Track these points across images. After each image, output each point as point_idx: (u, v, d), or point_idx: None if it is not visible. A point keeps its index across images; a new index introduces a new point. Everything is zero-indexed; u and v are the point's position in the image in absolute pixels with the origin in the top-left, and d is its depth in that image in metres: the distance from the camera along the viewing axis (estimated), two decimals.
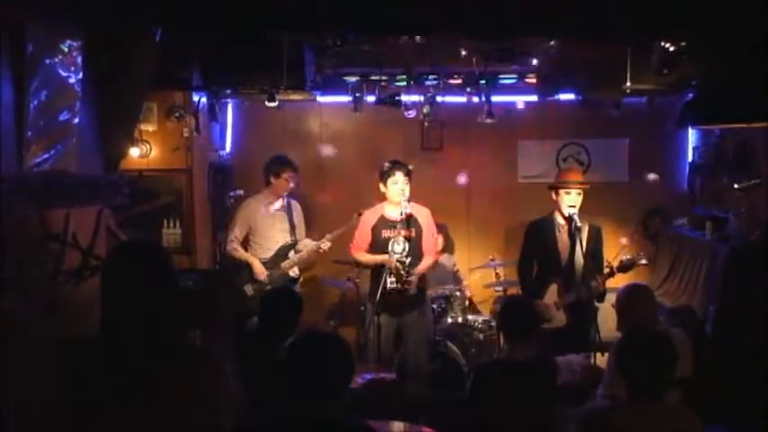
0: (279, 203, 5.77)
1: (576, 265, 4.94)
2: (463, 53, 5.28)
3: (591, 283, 4.84)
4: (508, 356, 3.86)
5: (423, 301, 5.37)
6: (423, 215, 5.34)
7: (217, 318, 4.04)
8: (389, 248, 5.16)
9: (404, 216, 5.15)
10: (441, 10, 3.84)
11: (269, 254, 5.70)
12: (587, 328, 4.82)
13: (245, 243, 5.76)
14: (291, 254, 5.73)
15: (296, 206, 5.90)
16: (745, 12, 3.78)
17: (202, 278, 4.71)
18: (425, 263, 5.30)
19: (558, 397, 3.80)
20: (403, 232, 5.17)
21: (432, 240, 5.42)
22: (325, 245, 5.68)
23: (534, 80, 6.19)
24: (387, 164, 5.27)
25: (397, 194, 5.19)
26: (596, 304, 4.94)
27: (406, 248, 5.18)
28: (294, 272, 5.77)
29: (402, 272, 5.08)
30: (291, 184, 5.75)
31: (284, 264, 5.69)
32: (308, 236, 5.94)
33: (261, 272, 5.61)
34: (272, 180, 5.72)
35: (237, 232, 5.48)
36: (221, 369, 2.22)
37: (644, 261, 5.01)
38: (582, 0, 3.89)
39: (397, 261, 5.08)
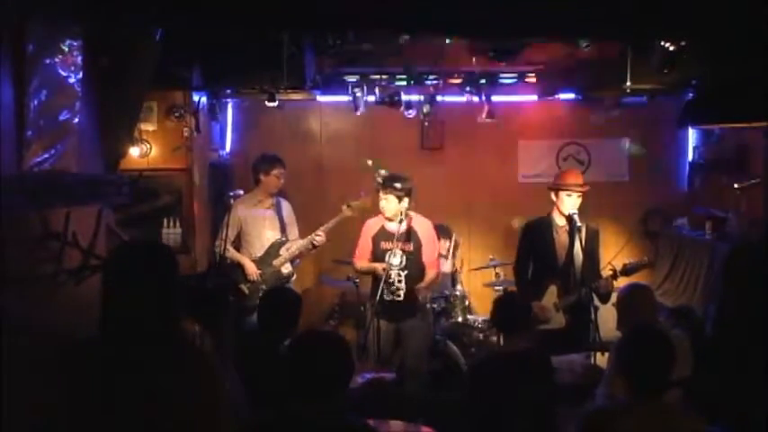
0: (269, 202, 5.77)
1: (575, 265, 4.92)
2: (463, 52, 5.28)
3: (594, 285, 4.83)
4: (502, 349, 3.88)
5: (422, 306, 5.35)
6: (423, 228, 5.31)
7: (217, 317, 4.04)
8: (386, 260, 5.15)
9: (403, 229, 5.13)
10: (441, 10, 3.84)
11: (260, 252, 5.70)
12: (586, 330, 4.81)
13: (237, 243, 5.75)
14: (283, 251, 5.72)
15: (285, 204, 5.89)
16: (745, 12, 3.78)
17: (203, 277, 4.71)
18: (427, 280, 5.28)
19: (555, 387, 3.82)
20: (400, 245, 5.16)
21: (433, 254, 5.39)
22: (320, 238, 5.65)
23: (534, 80, 6.20)
24: (379, 179, 5.24)
25: (384, 211, 5.21)
26: (596, 305, 4.94)
27: (404, 261, 5.17)
28: (287, 268, 5.76)
29: (394, 279, 5.10)
30: (281, 180, 5.75)
31: (276, 261, 5.69)
32: (306, 235, 5.92)
33: (253, 272, 5.61)
34: (262, 178, 5.71)
35: (228, 234, 5.47)
36: (218, 369, 2.22)
37: (646, 261, 5.00)
38: (582, 0, 3.89)
39: (383, 269, 5.08)
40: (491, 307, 3.99)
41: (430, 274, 5.31)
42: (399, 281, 5.16)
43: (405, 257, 5.18)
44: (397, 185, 5.14)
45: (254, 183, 5.78)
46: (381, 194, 5.19)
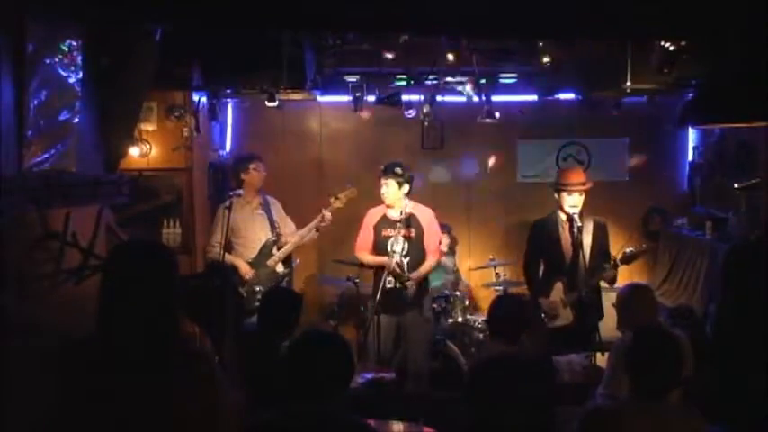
0: (257, 201, 5.74)
1: (579, 263, 4.95)
2: (461, 53, 5.28)
3: (599, 274, 4.88)
4: (502, 350, 3.85)
5: (423, 300, 5.36)
6: (425, 216, 5.33)
7: (218, 316, 4.04)
8: (389, 248, 5.16)
9: (403, 216, 5.15)
10: (441, 10, 3.84)
11: (253, 253, 5.67)
12: (592, 326, 4.83)
13: (228, 246, 5.72)
14: (275, 250, 5.70)
15: (273, 202, 5.85)
16: (745, 11, 3.78)
17: (203, 277, 4.70)
18: (426, 265, 5.28)
19: (555, 387, 3.81)
20: (402, 232, 5.17)
21: (434, 241, 5.39)
22: (327, 215, 5.59)
23: (534, 80, 6.20)
24: (382, 166, 5.27)
25: (385, 197, 5.23)
26: (601, 305, 4.97)
27: (406, 248, 5.18)
28: (280, 268, 5.75)
29: (401, 273, 5.09)
30: (263, 173, 5.72)
31: (269, 261, 5.67)
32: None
33: (247, 271, 5.57)
34: (244, 177, 5.67)
35: (219, 237, 5.43)
36: (218, 370, 2.22)
37: (645, 247, 5.05)
38: (582, 0, 3.89)
39: (396, 264, 5.09)
40: (489, 307, 3.99)
41: (429, 261, 5.31)
42: (402, 267, 5.16)
43: (406, 243, 5.19)
44: (398, 171, 5.18)
45: (237, 186, 5.71)
46: (382, 181, 5.21)
